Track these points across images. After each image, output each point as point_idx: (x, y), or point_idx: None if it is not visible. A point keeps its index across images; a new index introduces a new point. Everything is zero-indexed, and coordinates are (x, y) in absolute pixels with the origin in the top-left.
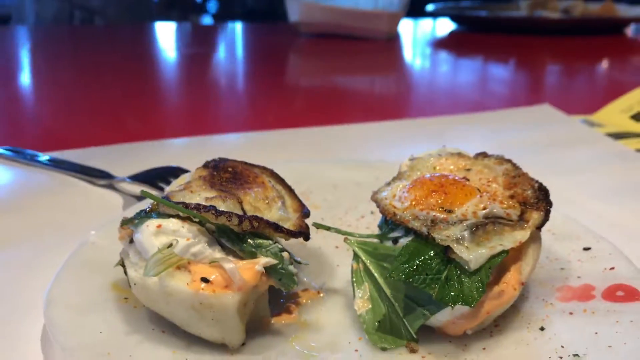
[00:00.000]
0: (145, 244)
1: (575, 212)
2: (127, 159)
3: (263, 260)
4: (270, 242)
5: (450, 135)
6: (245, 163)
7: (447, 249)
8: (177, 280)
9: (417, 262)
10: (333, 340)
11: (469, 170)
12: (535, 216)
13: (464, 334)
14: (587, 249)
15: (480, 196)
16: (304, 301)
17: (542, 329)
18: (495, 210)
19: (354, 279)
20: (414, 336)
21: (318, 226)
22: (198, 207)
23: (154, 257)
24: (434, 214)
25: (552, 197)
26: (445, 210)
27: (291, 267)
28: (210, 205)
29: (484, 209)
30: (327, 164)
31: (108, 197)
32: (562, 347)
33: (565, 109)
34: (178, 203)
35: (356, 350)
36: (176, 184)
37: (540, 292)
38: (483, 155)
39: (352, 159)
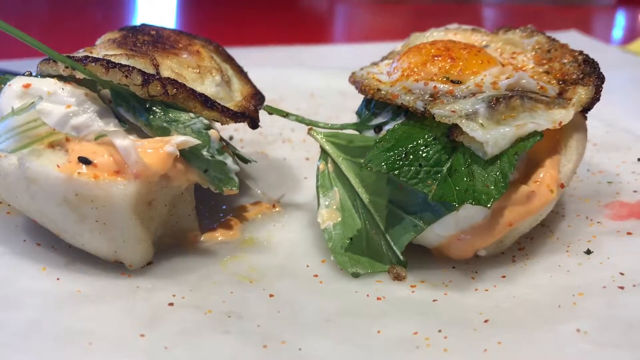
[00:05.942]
0: (3, 109)
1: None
2: None
3: (177, 139)
4: (192, 115)
5: None
6: (180, 32)
7: (453, 129)
8: (43, 160)
9: (407, 148)
10: (284, 263)
11: (486, 47)
12: (580, 92)
13: (474, 257)
14: None
15: (503, 66)
16: (253, 216)
17: (588, 252)
18: (524, 80)
19: (319, 184)
20: (401, 258)
21: (271, 110)
22: (84, 58)
23: (6, 119)
24: (434, 84)
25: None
26: (452, 81)
27: (227, 160)
28: (103, 58)
29: (508, 78)
30: (305, 70)
31: None
32: (622, 274)
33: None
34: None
35: (315, 276)
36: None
37: (582, 208)
38: (505, 29)
39: (336, 67)
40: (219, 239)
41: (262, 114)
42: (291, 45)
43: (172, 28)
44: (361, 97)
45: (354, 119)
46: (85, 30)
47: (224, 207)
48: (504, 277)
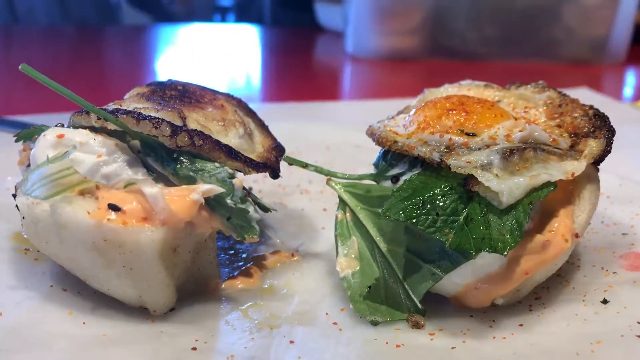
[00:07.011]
0: (37, 158)
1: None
2: None
3: (203, 187)
4: (217, 165)
5: None
6: (205, 87)
7: (469, 179)
8: (74, 207)
9: (424, 197)
10: (303, 310)
11: (499, 102)
12: (592, 144)
13: (492, 306)
14: None
15: (516, 119)
16: (272, 264)
17: (604, 301)
18: (536, 133)
19: (338, 232)
20: (419, 306)
21: (291, 161)
22: (116, 110)
23: (41, 168)
24: (449, 136)
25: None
26: (466, 133)
27: (249, 209)
28: (133, 110)
29: (521, 131)
30: (321, 124)
31: None
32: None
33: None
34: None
35: (335, 324)
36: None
37: (597, 259)
38: (517, 84)
39: (351, 121)
40: (240, 286)
41: (282, 166)
42: (307, 101)
43: (197, 84)
44: (376, 149)
45: (369, 170)
46: (107, 86)
47: (244, 255)
48: (521, 325)
